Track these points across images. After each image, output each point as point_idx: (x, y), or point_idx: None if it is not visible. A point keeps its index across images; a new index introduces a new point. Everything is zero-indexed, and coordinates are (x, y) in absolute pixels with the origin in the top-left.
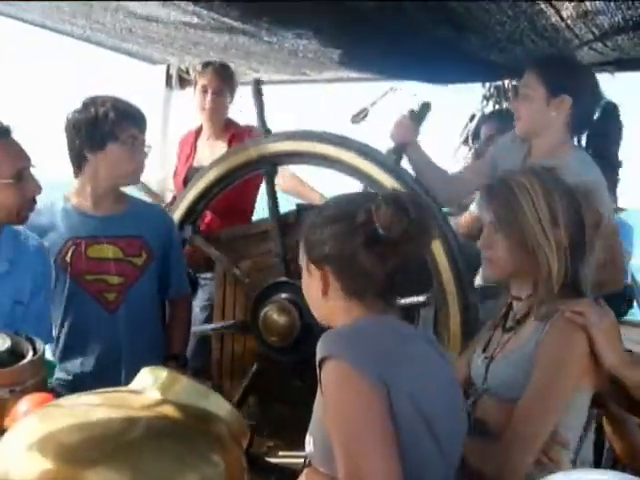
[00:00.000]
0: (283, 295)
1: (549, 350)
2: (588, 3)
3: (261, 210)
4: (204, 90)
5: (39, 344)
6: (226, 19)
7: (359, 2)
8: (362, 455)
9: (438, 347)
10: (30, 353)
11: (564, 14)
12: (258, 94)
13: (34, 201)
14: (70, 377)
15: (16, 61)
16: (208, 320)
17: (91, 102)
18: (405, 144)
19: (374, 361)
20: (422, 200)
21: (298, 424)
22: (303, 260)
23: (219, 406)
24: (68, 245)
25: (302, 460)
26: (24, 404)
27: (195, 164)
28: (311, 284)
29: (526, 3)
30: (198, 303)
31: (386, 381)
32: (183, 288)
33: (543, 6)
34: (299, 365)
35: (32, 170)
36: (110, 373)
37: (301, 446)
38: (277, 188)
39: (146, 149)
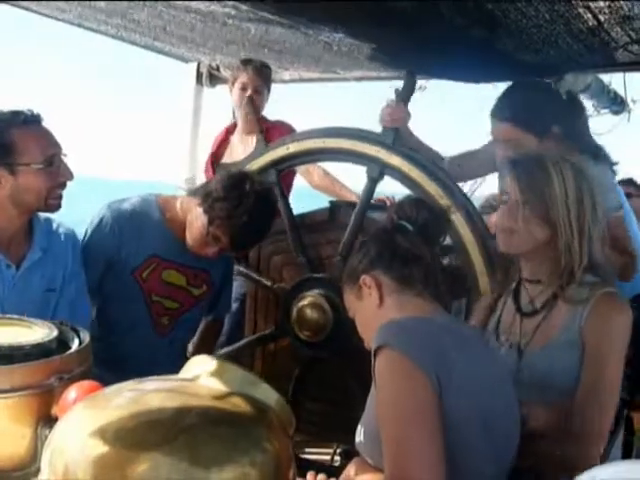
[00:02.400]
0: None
1: (598, 335)
2: (626, 8)
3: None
4: (244, 88)
5: (84, 334)
6: (264, 13)
7: (397, 2)
8: (408, 443)
9: (490, 344)
10: (76, 342)
11: (601, 18)
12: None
13: (64, 186)
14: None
15: (51, 56)
16: (241, 311)
17: (244, 192)
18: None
19: (428, 354)
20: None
21: (327, 420)
22: (352, 292)
23: (268, 395)
24: (149, 261)
25: (328, 456)
26: (73, 392)
27: (227, 160)
28: (366, 305)
29: (564, 7)
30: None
31: (439, 375)
32: (224, 312)
33: (581, 10)
34: (329, 361)
35: (63, 157)
36: None
37: (329, 441)
38: (308, 185)
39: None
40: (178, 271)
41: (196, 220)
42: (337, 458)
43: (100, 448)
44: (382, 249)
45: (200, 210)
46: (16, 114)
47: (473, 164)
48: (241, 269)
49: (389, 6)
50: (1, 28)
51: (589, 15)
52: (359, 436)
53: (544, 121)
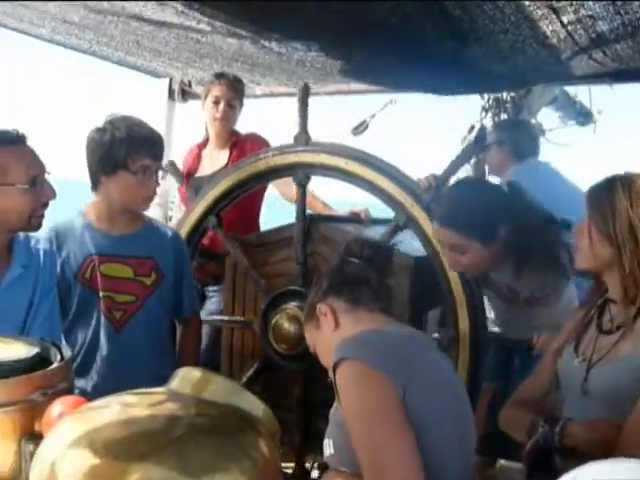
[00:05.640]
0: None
1: None
2: (588, 8)
3: (266, 221)
4: (216, 101)
5: (65, 350)
6: (239, 30)
7: (367, 13)
8: (382, 447)
9: (437, 348)
10: (58, 358)
11: (564, 19)
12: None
13: (46, 206)
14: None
15: (22, 73)
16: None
17: (109, 125)
18: None
19: (387, 360)
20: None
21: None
22: (312, 325)
23: (253, 405)
24: (87, 262)
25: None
26: (58, 406)
27: (199, 174)
28: (324, 332)
29: (528, 9)
30: (204, 314)
31: (400, 377)
32: (193, 308)
33: (545, 11)
34: (303, 373)
35: (47, 176)
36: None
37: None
38: (282, 197)
39: (160, 175)
40: (119, 263)
41: (119, 186)
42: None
43: (91, 460)
44: (332, 279)
45: (102, 181)
46: (2, 134)
47: None
48: (212, 319)
49: (362, 22)
50: None
51: (553, 16)
52: (328, 449)
53: (488, 227)
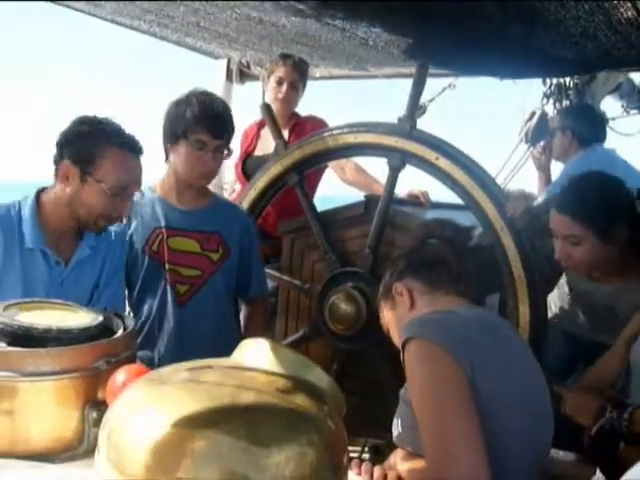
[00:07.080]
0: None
1: None
2: None
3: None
4: (280, 81)
5: (128, 320)
6: (302, 6)
7: None
8: (446, 426)
9: (515, 333)
10: (121, 327)
11: None
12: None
13: (114, 220)
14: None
15: (76, 53)
16: (273, 305)
17: (185, 97)
18: None
19: (452, 338)
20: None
21: (358, 414)
22: (387, 306)
23: (320, 378)
24: (155, 234)
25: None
26: (122, 375)
27: (257, 153)
28: (399, 312)
29: None
30: None
31: (466, 356)
32: (262, 288)
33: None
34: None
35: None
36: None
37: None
38: (340, 179)
39: (225, 153)
40: (186, 237)
41: (179, 157)
42: (366, 455)
43: (159, 426)
44: (410, 260)
45: (168, 150)
46: (120, 136)
47: None
48: (272, 272)
49: (430, 2)
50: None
51: (628, 4)
52: (396, 428)
53: (608, 221)
